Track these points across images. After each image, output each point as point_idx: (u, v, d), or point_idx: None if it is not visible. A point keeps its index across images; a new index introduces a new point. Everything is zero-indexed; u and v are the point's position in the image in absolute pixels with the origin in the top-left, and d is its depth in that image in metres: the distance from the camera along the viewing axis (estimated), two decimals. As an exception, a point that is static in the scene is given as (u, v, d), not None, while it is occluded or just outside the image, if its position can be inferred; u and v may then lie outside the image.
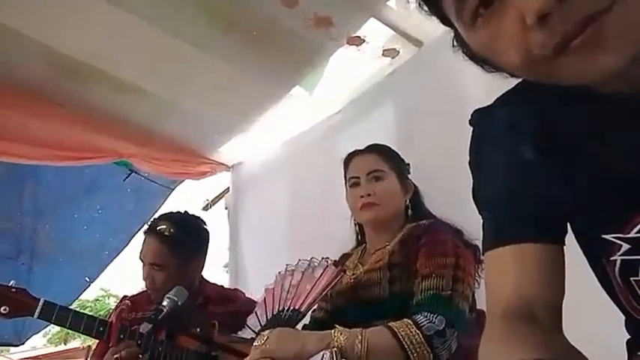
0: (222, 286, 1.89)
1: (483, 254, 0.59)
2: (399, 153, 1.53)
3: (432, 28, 1.97)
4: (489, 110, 0.63)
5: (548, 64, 0.43)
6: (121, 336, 1.45)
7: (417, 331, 1.06)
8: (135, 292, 1.84)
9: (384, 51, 2.10)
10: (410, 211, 1.43)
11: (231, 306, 1.78)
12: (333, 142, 2.32)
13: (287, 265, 1.35)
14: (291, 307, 1.22)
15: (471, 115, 0.64)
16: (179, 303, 1.49)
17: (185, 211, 1.84)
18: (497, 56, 0.46)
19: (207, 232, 1.84)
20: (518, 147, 0.58)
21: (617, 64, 0.41)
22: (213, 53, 2.17)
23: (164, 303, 1.47)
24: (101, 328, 1.46)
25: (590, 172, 0.53)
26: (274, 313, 1.24)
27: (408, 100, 2.06)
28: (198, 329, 1.56)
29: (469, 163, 0.64)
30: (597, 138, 0.53)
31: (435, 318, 1.08)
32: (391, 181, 1.41)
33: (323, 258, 1.34)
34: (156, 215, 1.88)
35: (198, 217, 1.85)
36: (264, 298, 1.31)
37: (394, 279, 1.23)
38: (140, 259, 1.73)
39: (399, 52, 2.08)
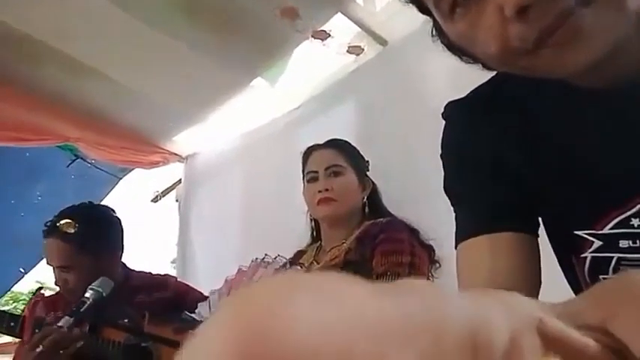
0: (149, 273, 1.78)
1: (456, 246, 0.57)
2: (359, 150, 1.51)
3: (397, 28, 1.97)
4: (463, 102, 0.62)
5: (527, 56, 0.42)
6: (36, 331, 1.33)
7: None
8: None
9: (349, 47, 2.07)
10: (367, 209, 1.41)
11: (163, 293, 1.70)
12: (292, 137, 2.28)
13: (266, 254, 1.31)
14: None
15: (444, 108, 0.63)
16: (104, 294, 1.40)
17: (89, 202, 1.72)
18: (475, 47, 0.46)
19: (119, 221, 1.72)
20: (492, 139, 0.57)
21: (594, 57, 0.41)
22: (173, 37, 2.08)
23: (87, 295, 1.38)
24: (12, 323, 1.36)
25: (563, 166, 0.53)
26: None
27: (370, 98, 2.05)
28: (126, 320, 1.48)
29: (441, 155, 0.62)
30: (571, 132, 0.53)
31: (389, 316, 1.06)
32: (349, 177, 1.40)
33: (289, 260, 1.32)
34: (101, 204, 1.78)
35: (106, 206, 1.74)
36: (232, 278, 1.26)
37: (349, 276, 1.21)
38: (47, 263, 1.59)
39: (363, 49, 2.06)
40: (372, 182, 1.47)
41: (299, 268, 1.27)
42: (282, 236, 2.01)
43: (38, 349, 1.25)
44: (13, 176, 2.85)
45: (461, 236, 0.56)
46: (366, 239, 1.27)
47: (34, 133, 2.46)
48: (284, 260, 1.29)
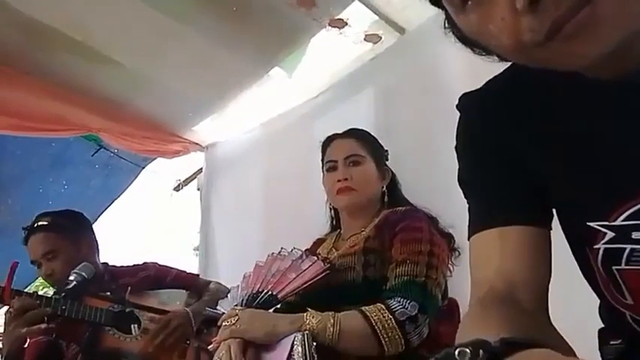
0: (130, 265, 1.93)
1: (469, 238, 0.58)
2: (378, 139, 1.52)
3: (415, 15, 1.95)
4: (478, 94, 0.62)
5: (540, 48, 0.42)
6: (16, 297, 1.48)
7: (390, 316, 1.06)
8: None
9: (366, 36, 2.07)
10: (386, 198, 1.42)
11: (144, 273, 1.86)
12: (311, 126, 2.29)
13: (282, 248, 1.34)
14: (270, 291, 1.21)
15: (459, 100, 0.64)
16: (86, 277, 1.56)
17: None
18: (488, 40, 0.46)
19: (87, 219, 1.92)
20: (506, 131, 0.58)
21: (605, 50, 0.41)
22: (192, 27, 2.10)
23: (71, 277, 1.53)
24: None
25: (576, 158, 0.53)
26: (254, 292, 1.22)
27: (388, 87, 2.05)
28: (108, 293, 1.65)
29: (455, 147, 0.63)
30: (584, 124, 0.53)
31: (408, 304, 1.08)
32: (368, 167, 1.41)
33: (305, 251, 1.35)
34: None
35: (72, 210, 1.91)
36: (251, 274, 1.30)
37: (368, 264, 1.23)
38: (32, 262, 1.73)
39: (381, 37, 2.06)
40: (391, 171, 1.48)
41: (316, 257, 1.30)
42: (301, 224, 2.04)
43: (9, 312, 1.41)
44: (41, 166, 2.93)
45: (473, 229, 0.57)
46: (385, 228, 1.28)
47: (59, 124, 2.52)
48: (300, 252, 1.31)
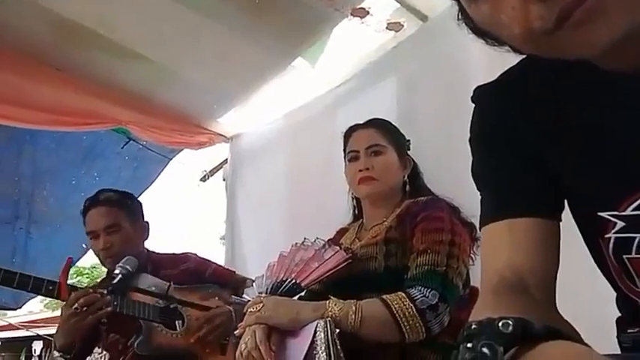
0: (171, 253, 1.95)
1: (480, 229, 0.59)
2: (400, 128, 1.52)
3: (437, 2, 1.93)
4: (491, 86, 0.63)
5: (550, 37, 0.42)
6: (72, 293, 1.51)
7: (411, 305, 1.07)
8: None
9: (388, 24, 2.06)
10: (408, 187, 1.43)
11: (185, 265, 1.87)
12: (334, 116, 2.31)
13: (305, 238, 1.36)
14: (294, 280, 1.24)
15: (473, 92, 0.64)
16: (131, 270, 1.56)
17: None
18: (499, 30, 0.46)
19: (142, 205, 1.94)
20: (519, 123, 0.58)
21: (613, 37, 0.41)
22: (216, 21, 2.13)
23: (116, 271, 1.54)
24: (50, 287, 1.51)
25: (587, 148, 0.54)
26: (278, 280, 1.25)
27: (411, 75, 2.04)
28: (153, 288, 1.65)
29: (469, 140, 0.64)
30: (596, 115, 0.53)
31: (429, 292, 1.09)
32: (390, 156, 1.42)
33: (328, 241, 1.38)
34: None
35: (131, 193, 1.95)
36: (275, 264, 1.33)
37: (390, 254, 1.24)
38: (90, 232, 1.76)
39: (403, 25, 2.04)
40: (413, 161, 1.48)
41: (338, 247, 1.32)
42: (325, 214, 2.06)
43: (73, 308, 1.43)
44: (73, 158, 3.03)
45: (484, 220, 0.58)
46: (407, 217, 1.29)
47: (90, 118, 2.60)
48: (322, 242, 1.33)
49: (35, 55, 2.28)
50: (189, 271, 1.85)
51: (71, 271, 3.65)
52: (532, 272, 0.53)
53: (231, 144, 3.04)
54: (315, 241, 1.34)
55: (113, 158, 3.05)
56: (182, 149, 3.09)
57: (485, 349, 0.32)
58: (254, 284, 1.38)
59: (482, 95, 0.64)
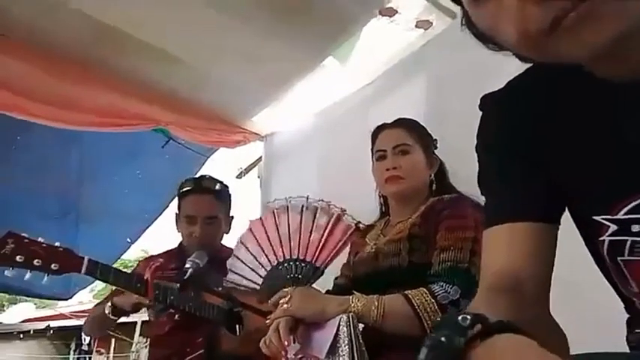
0: (230, 249, 1.97)
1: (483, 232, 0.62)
2: (429, 126, 1.53)
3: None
4: (497, 95, 0.65)
5: (545, 39, 0.44)
6: (156, 292, 1.56)
7: (432, 300, 1.10)
8: (157, 253, 1.96)
9: (417, 22, 2.07)
10: (434, 186, 1.44)
11: None
12: (365, 114, 2.33)
13: (272, 200, 1.39)
14: (306, 261, 1.27)
15: (480, 100, 0.66)
16: (201, 265, 1.59)
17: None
18: (498, 33, 0.48)
19: None
20: (521, 131, 0.60)
21: (607, 39, 0.42)
22: (248, 23, 2.20)
23: (187, 265, 1.57)
24: (138, 284, 1.57)
25: (582, 155, 0.56)
26: (281, 261, 1.28)
27: (441, 73, 2.04)
28: (220, 288, 1.64)
29: (475, 147, 0.66)
30: (592, 123, 0.55)
31: (451, 288, 1.12)
32: (416, 156, 1.44)
33: (320, 200, 1.41)
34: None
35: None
36: (256, 235, 1.35)
37: (414, 250, 1.27)
38: (187, 216, 1.80)
39: (432, 23, 2.05)
40: (439, 160, 1.50)
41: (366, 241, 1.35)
42: (357, 210, 2.09)
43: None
44: (116, 157, 3.18)
45: (486, 224, 0.61)
46: (431, 215, 1.31)
47: (133, 119, 2.73)
48: (305, 201, 1.38)
49: (81, 60, 2.41)
50: None
51: (117, 263, 3.82)
52: (527, 275, 0.55)
53: (266, 142, 3.11)
54: (289, 201, 1.36)
55: (154, 157, 3.18)
56: (218, 148, 3.19)
57: (443, 339, 0.35)
58: (244, 261, 1.40)
59: (488, 103, 0.66)
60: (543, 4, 0.42)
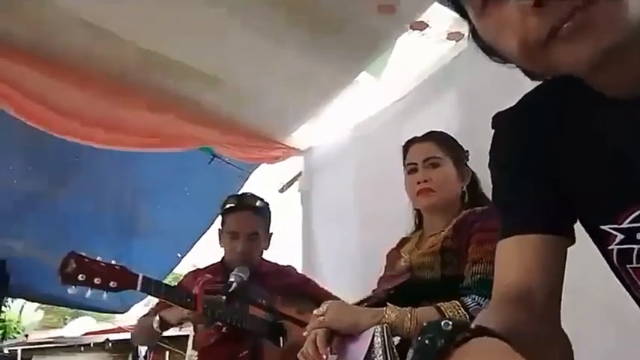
0: (276, 263, 2.04)
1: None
2: (461, 138, 1.54)
3: (497, 10, 1.92)
4: (508, 113, 0.68)
5: (543, 50, 0.46)
6: (205, 306, 1.63)
7: (464, 312, 1.12)
8: (203, 267, 2.04)
9: (448, 35, 2.09)
10: (466, 198, 1.46)
11: (287, 279, 1.96)
12: (399, 127, 2.35)
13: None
14: None
15: (492, 119, 0.69)
16: (244, 278, 1.66)
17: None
18: (502, 45, 0.50)
19: None
20: (532, 147, 0.63)
21: (600, 50, 0.45)
22: (283, 42, 2.29)
23: (231, 279, 1.65)
24: (188, 299, 1.64)
25: (588, 168, 0.58)
26: None
27: (472, 85, 2.04)
28: (263, 300, 1.72)
29: (488, 164, 0.69)
30: (598, 136, 0.57)
31: (483, 301, 1.13)
32: (447, 168, 1.45)
33: None
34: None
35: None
36: None
37: (446, 264, 1.29)
38: (231, 232, 1.88)
39: (463, 35, 2.06)
40: (472, 171, 1.50)
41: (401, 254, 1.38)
42: (394, 221, 2.12)
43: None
44: (166, 176, 3.35)
45: (499, 238, 0.64)
46: (463, 227, 1.32)
47: (181, 140, 2.88)
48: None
49: (130, 85, 2.58)
50: (293, 286, 1.92)
51: (169, 278, 3.99)
52: (537, 287, 0.57)
53: (305, 157, 3.18)
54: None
55: (201, 174, 3.31)
56: (260, 164, 3.30)
57: (427, 342, 0.39)
58: None
59: (501, 122, 0.69)
60: (542, 14, 0.44)
